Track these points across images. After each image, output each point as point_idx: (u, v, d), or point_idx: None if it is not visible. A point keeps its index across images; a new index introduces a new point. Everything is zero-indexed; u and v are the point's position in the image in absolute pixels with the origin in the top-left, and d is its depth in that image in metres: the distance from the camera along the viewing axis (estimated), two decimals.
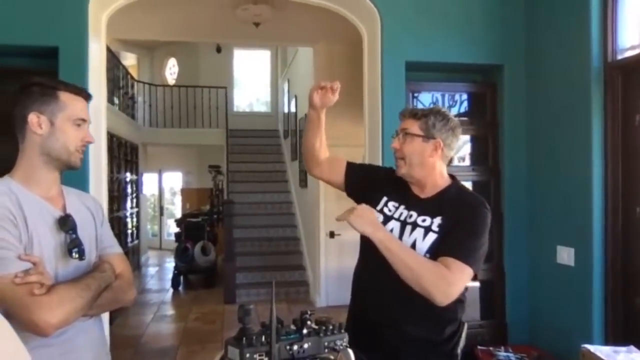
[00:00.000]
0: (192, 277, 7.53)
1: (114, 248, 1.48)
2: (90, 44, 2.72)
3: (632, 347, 1.92)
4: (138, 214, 9.24)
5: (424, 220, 1.53)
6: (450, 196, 1.58)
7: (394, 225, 1.56)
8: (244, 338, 0.92)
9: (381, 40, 3.03)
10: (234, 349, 0.92)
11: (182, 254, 7.18)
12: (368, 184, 1.71)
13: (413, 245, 1.50)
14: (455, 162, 3.78)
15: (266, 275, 6.60)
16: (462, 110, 3.51)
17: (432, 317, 1.52)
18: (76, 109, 1.36)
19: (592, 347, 1.92)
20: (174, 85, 11.01)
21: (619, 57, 2.63)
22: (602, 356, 1.79)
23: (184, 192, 11.84)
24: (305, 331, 0.97)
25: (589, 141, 2.64)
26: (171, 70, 11.84)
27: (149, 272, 8.88)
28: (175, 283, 7.24)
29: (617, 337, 2.50)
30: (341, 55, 5.52)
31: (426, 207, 1.56)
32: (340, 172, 1.76)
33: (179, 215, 11.11)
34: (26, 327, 1.13)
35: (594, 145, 2.63)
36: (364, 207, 1.52)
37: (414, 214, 1.56)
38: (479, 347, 2.93)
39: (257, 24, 4.56)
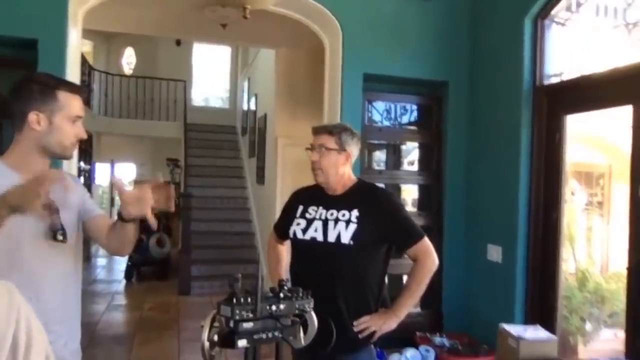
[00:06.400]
0: (144, 268, 7.55)
1: (96, 211, 1.66)
2: (69, 37, 2.85)
3: (538, 326, 2.31)
4: None
5: (343, 215, 1.89)
6: (359, 190, 1.97)
7: (318, 224, 1.92)
8: (234, 299, 1.18)
9: (342, 53, 3.32)
10: (226, 307, 1.17)
11: (136, 245, 7.21)
12: (288, 215, 2.06)
13: (339, 236, 1.86)
14: (405, 167, 4.14)
15: (221, 268, 6.73)
16: (412, 119, 3.86)
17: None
18: (73, 108, 1.45)
19: (506, 326, 2.29)
20: (131, 76, 10.90)
21: (545, 82, 3.05)
22: (513, 332, 2.17)
23: (137, 184, 11.71)
24: (281, 295, 1.24)
25: (518, 154, 3.04)
26: (128, 60, 11.70)
27: (98, 263, 8.79)
28: (128, 274, 7.26)
29: (534, 323, 2.89)
30: (302, 60, 5.75)
31: (342, 202, 1.93)
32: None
33: None
34: None
35: (521, 157, 3.03)
36: (375, 319, 1.86)
37: (334, 211, 1.91)
38: (417, 333, 3.29)
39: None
